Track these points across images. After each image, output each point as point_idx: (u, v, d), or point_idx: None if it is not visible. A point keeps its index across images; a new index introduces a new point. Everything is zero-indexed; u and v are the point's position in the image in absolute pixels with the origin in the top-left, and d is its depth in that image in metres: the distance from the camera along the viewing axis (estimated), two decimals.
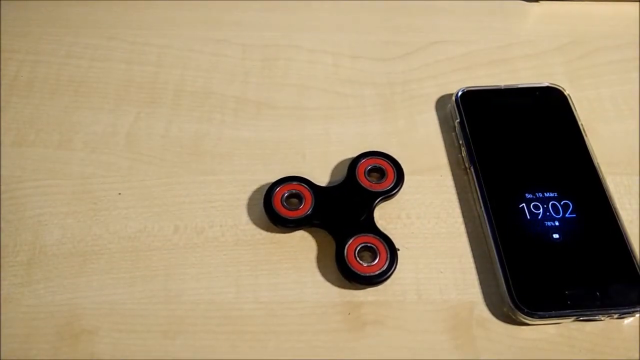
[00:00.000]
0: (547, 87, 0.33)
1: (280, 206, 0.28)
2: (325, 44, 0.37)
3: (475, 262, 0.28)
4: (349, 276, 0.27)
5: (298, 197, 0.29)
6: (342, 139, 0.32)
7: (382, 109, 0.34)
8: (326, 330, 0.26)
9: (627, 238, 0.27)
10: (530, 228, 0.28)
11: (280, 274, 0.28)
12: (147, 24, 0.37)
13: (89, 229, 0.29)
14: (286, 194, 0.29)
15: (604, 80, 0.35)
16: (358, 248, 0.27)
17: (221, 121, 0.33)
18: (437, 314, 0.27)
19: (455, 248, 0.29)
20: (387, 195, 0.29)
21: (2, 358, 0.26)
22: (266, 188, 0.29)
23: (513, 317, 0.26)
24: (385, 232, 0.28)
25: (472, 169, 0.30)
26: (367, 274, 0.26)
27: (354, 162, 0.30)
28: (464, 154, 0.31)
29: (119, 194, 0.30)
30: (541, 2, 0.39)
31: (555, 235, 0.28)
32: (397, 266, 0.27)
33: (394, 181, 0.29)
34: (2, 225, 0.29)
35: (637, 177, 0.31)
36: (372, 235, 0.28)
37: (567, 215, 0.28)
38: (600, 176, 0.29)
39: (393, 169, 0.30)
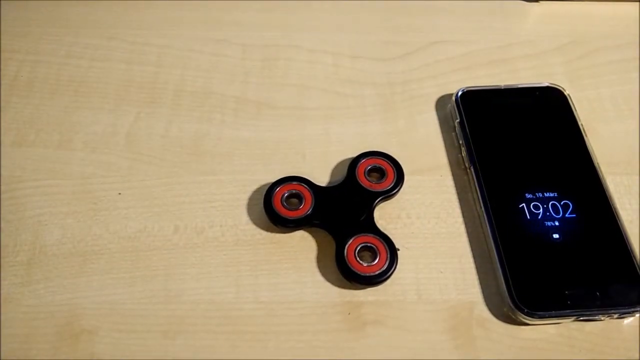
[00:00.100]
0: (547, 87, 0.33)
1: (280, 206, 0.28)
2: (325, 44, 0.37)
3: (475, 262, 0.28)
4: (349, 276, 0.27)
5: (298, 197, 0.29)
6: (342, 139, 0.32)
7: (382, 109, 0.34)
8: (326, 330, 0.26)
9: (627, 238, 0.27)
10: (530, 228, 0.28)
11: (280, 274, 0.28)
12: (147, 24, 0.37)
13: (89, 229, 0.29)
14: (286, 194, 0.29)
15: (604, 80, 0.35)
16: (358, 248, 0.27)
17: (221, 121, 0.33)
18: (437, 314, 0.27)
19: (455, 248, 0.29)
20: (387, 195, 0.29)
21: (2, 358, 0.26)
22: (266, 188, 0.29)
23: (513, 317, 0.26)
24: (385, 232, 0.28)
25: (472, 169, 0.30)
26: (367, 274, 0.26)
27: (354, 162, 0.30)
28: (464, 154, 0.31)
29: (119, 194, 0.30)
30: (541, 2, 0.39)
31: (555, 235, 0.28)
32: (397, 266, 0.27)
33: (394, 181, 0.29)
34: (2, 225, 0.29)
35: (637, 177, 0.31)
36: (372, 235, 0.28)
37: (567, 215, 0.28)
38: (600, 176, 0.29)
39: (393, 169, 0.30)
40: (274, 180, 0.29)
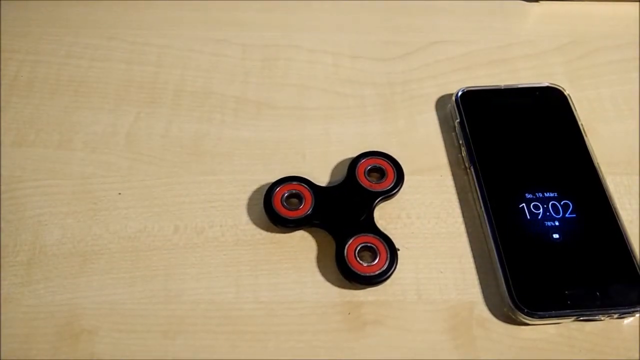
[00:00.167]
0: (547, 87, 0.33)
1: (280, 206, 0.28)
2: (325, 44, 0.37)
3: (475, 262, 0.28)
4: (349, 276, 0.27)
5: (298, 197, 0.29)
6: (342, 139, 0.32)
7: (382, 109, 0.34)
8: (326, 330, 0.26)
9: (627, 238, 0.27)
10: (530, 228, 0.28)
11: (280, 274, 0.28)
12: (147, 24, 0.37)
13: (89, 229, 0.29)
14: (286, 194, 0.29)
15: (604, 80, 0.35)
16: (358, 248, 0.27)
17: (221, 121, 0.33)
18: (437, 314, 0.27)
19: (455, 248, 0.29)
20: (387, 195, 0.29)
21: (2, 358, 0.26)
22: (266, 188, 0.29)
23: (513, 317, 0.26)
24: (385, 232, 0.28)
25: (472, 169, 0.30)
26: (367, 274, 0.26)
27: (354, 162, 0.30)
28: (464, 154, 0.31)
29: (119, 194, 0.30)
30: (541, 2, 0.39)
31: (555, 235, 0.28)
32: (397, 266, 0.27)
33: (394, 181, 0.29)
34: (2, 225, 0.29)
35: (637, 177, 0.31)
36: (372, 235, 0.28)
37: (567, 215, 0.28)
38: (600, 176, 0.29)
39: (393, 169, 0.30)
40: (274, 180, 0.29)
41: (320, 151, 0.32)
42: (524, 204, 0.28)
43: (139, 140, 0.32)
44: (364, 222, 0.28)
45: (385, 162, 0.30)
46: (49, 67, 0.35)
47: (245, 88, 0.34)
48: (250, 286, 0.27)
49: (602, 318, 0.26)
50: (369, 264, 0.27)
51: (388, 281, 0.27)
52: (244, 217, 0.29)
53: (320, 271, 0.28)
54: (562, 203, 0.29)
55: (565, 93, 0.33)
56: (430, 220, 0.29)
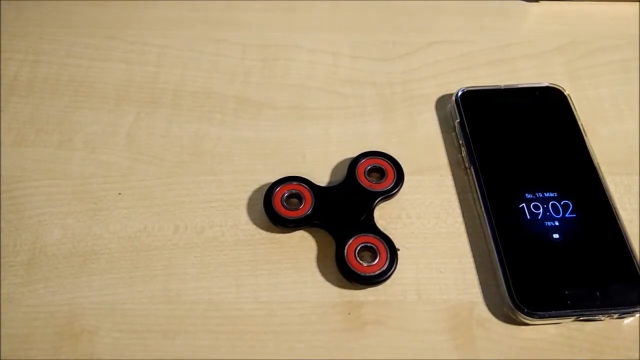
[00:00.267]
0: (547, 87, 0.33)
1: (280, 206, 0.28)
2: (325, 44, 0.37)
3: (475, 262, 0.28)
4: (349, 276, 0.27)
5: (298, 197, 0.29)
6: (342, 139, 0.32)
7: (382, 109, 0.34)
8: (326, 330, 0.26)
9: (627, 238, 0.27)
10: (530, 228, 0.28)
11: (280, 274, 0.28)
12: (147, 24, 0.37)
13: (89, 229, 0.29)
14: (286, 194, 0.29)
15: (604, 80, 0.35)
16: (358, 248, 0.27)
17: (221, 121, 0.33)
18: (437, 314, 0.27)
19: (455, 248, 0.29)
20: (387, 195, 0.29)
21: (2, 358, 0.26)
22: (266, 188, 0.29)
23: (513, 317, 0.26)
24: (385, 232, 0.28)
25: (472, 169, 0.30)
26: (367, 274, 0.26)
27: (354, 162, 0.30)
28: (464, 154, 0.31)
29: (119, 194, 0.30)
30: (541, 2, 0.39)
31: (555, 235, 0.28)
32: (397, 266, 0.27)
33: (394, 181, 0.29)
34: (2, 225, 0.29)
35: (637, 177, 0.31)
36: (372, 235, 0.28)
37: (567, 215, 0.28)
38: (600, 176, 0.29)
39: (393, 169, 0.30)
40: (274, 180, 0.29)
41: (320, 151, 0.32)
42: (524, 204, 0.28)
43: (139, 140, 0.32)
44: (364, 222, 0.28)
45: (385, 162, 0.30)
46: (49, 67, 0.35)
47: (245, 88, 0.34)
48: (250, 286, 0.27)
49: (602, 318, 0.26)
50: (369, 264, 0.27)
51: (388, 281, 0.27)
52: (244, 217, 0.29)
53: (320, 271, 0.28)
54: (562, 203, 0.29)
55: (565, 93, 0.33)
56: (430, 220, 0.29)
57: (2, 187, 0.30)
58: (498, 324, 0.26)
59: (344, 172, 0.30)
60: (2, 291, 0.27)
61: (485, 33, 0.37)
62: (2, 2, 0.38)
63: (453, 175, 0.31)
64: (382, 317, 0.27)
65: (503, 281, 0.26)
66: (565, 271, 0.27)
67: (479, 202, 0.29)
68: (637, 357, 0.26)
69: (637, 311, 0.26)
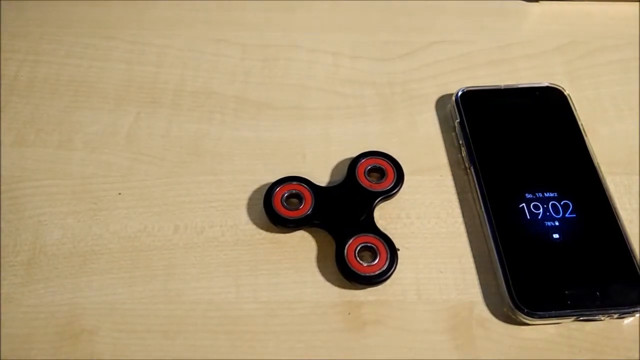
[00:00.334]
0: (547, 87, 0.33)
1: (280, 206, 0.28)
2: (325, 44, 0.37)
3: (475, 262, 0.28)
4: (349, 276, 0.27)
5: (298, 197, 0.29)
6: (342, 139, 0.32)
7: (382, 109, 0.34)
8: (326, 330, 0.26)
9: (627, 238, 0.27)
10: (530, 228, 0.28)
11: (280, 274, 0.28)
12: (147, 24, 0.37)
13: (89, 229, 0.29)
14: (286, 194, 0.29)
15: (604, 80, 0.35)
16: (358, 248, 0.27)
17: (221, 121, 0.33)
18: (437, 314, 0.27)
19: (455, 248, 0.29)
20: (387, 195, 0.29)
21: (2, 358, 0.26)
22: (266, 188, 0.29)
23: (513, 317, 0.26)
24: (385, 232, 0.28)
25: (472, 169, 0.30)
26: (367, 274, 0.26)
27: (354, 162, 0.30)
28: (464, 154, 0.31)
29: (119, 194, 0.30)
30: (541, 2, 0.39)
31: (555, 235, 0.28)
32: (397, 266, 0.27)
33: (394, 181, 0.29)
34: (2, 225, 0.29)
35: (637, 177, 0.31)
36: (372, 235, 0.28)
37: (567, 215, 0.28)
38: (600, 176, 0.29)
39: (393, 168, 0.30)
40: (274, 180, 0.29)
41: (320, 151, 0.32)
42: (524, 204, 0.28)
43: (139, 140, 0.32)
44: (364, 222, 0.28)
45: (385, 162, 0.30)
46: (49, 67, 0.35)
47: (245, 88, 0.34)
48: (250, 286, 0.27)
49: (602, 318, 0.26)
50: (369, 264, 0.27)
51: (388, 281, 0.27)
52: (244, 217, 0.29)
53: (320, 271, 0.28)
54: (562, 203, 0.29)
55: (565, 93, 0.33)
56: (430, 220, 0.29)
57: (2, 187, 0.30)
58: (498, 324, 0.26)
59: (344, 172, 0.30)
60: (2, 291, 0.27)
61: (485, 33, 0.37)
62: (2, 2, 0.38)
63: (453, 175, 0.31)
64: (382, 317, 0.27)
65: (503, 281, 0.26)
66: (565, 271, 0.27)
67: (479, 202, 0.29)
68: (637, 357, 0.26)
69: (637, 311, 0.26)
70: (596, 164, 0.30)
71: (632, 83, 0.35)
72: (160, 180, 0.31)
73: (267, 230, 0.29)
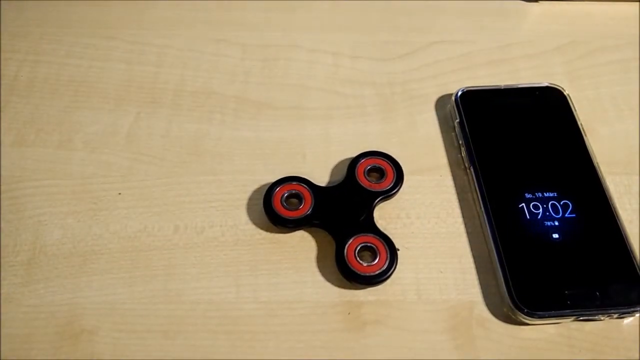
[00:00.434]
0: (547, 87, 0.33)
1: (280, 206, 0.28)
2: (325, 44, 0.37)
3: (475, 262, 0.28)
4: (349, 276, 0.27)
5: (298, 197, 0.29)
6: (342, 139, 0.32)
7: (382, 109, 0.34)
8: (326, 330, 0.26)
9: (627, 238, 0.27)
10: (530, 228, 0.28)
11: (280, 274, 0.28)
12: (147, 24, 0.37)
13: (89, 229, 0.29)
14: (286, 194, 0.29)
15: (604, 80, 0.35)
16: (358, 248, 0.27)
17: (221, 121, 0.33)
18: (437, 314, 0.27)
19: (455, 248, 0.29)
20: (387, 195, 0.29)
21: (2, 358, 0.26)
22: (266, 188, 0.29)
23: (513, 317, 0.26)
24: (385, 232, 0.28)
25: (472, 169, 0.30)
26: (367, 274, 0.26)
27: (354, 162, 0.30)
28: (463, 154, 0.31)
29: (119, 194, 0.30)
30: (541, 2, 0.39)
31: (555, 235, 0.28)
32: (397, 266, 0.27)
33: (394, 181, 0.29)
34: (2, 225, 0.29)
35: (637, 177, 0.31)
36: (372, 235, 0.28)
37: (566, 215, 0.28)
38: (600, 176, 0.29)
39: (393, 168, 0.30)
40: (274, 180, 0.29)
41: (320, 151, 0.32)
42: (523, 204, 0.28)
43: (139, 140, 0.32)
44: (363, 222, 0.28)
45: (385, 162, 0.30)
46: (49, 67, 0.35)
47: (245, 88, 0.34)
48: (250, 286, 0.27)
49: (602, 318, 0.26)
50: (369, 264, 0.27)
51: (388, 281, 0.27)
52: (244, 217, 0.29)
53: (320, 271, 0.28)
54: (561, 203, 0.29)
55: (565, 93, 0.33)
56: (430, 220, 0.29)
57: (2, 187, 0.30)
58: (498, 324, 0.26)
59: (343, 172, 0.30)
60: (2, 291, 0.27)
61: (485, 33, 0.37)
62: (2, 2, 0.38)
63: (453, 175, 0.31)
64: (382, 317, 0.27)
65: (503, 281, 0.26)
66: (565, 271, 0.27)
67: (479, 202, 0.29)
68: (637, 357, 0.26)
69: (637, 311, 0.26)
70: (596, 164, 0.30)
71: (632, 83, 0.35)
72: (160, 180, 0.31)
73: (267, 230, 0.29)
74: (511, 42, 0.37)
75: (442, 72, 0.35)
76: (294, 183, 0.29)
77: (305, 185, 0.29)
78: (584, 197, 0.29)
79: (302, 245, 0.29)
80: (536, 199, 0.29)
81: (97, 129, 0.32)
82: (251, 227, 0.29)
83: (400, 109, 0.34)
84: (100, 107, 0.33)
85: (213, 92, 0.34)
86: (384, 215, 0.30)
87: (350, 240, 0.27)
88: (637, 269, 0.27)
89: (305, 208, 0.28)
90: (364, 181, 0.29)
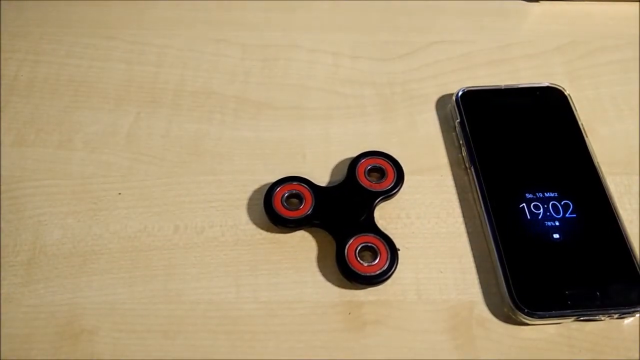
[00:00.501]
0: (547, 87, 0.33)
1: (280, 206, 0.28)
2: (325, 44, 0.37)
3: (475, 262, 0.28)
4: (350, 276, 0.27)
5: (298, 197, 0.29)
6: (342, 139, 0.32)
7: (382, 109, 0.34)
8: (326, 330, 0.26)
9: (627, 238, 0.27)
10: (530, 228, 0.28)
11: (280, 274, 0.28)
12: (147, 24, 0.37)
13: (89, 229, 0.29)
14: (286, 194, 0.29)
15: (604, 80, 0.35)
16: (358, 248, 0.27)
17: (221, 121, 0.33)
18: (437, 314, 0.27)
19: (455, 248, 0.29)
20: (387, 195, 0.29)
21: (2, 358, 0.26)
22: (266, 188, 0.29)
23: (513, 317, 0.26)
24: (386, 232, 0.28)
25: (472, 169, 0.30)
26: (368, 274, 0.26)
27: (354, 162, 0.30)
28: (464, 153, 0.31)
29: (119, 194, 0.30)
30: (541, 2, 0.39)
31: (556, 235, 0.28)
32: (397, 266, 0.27)
33: (394, 181, 0.29)
34: (2, 225, 0.29)
35: (637, 177, 0.31)
36: (372, 235, 0.28)
37: (567, 215, 0.28)
38: (600, 176, 0.29)
39: (393, 168, 0.30)
40: (274, 180, 0.29)
41: (320, 151, 0.32)
42: (524, 204, 0.28)
43: (139, 140, 0.32)
44: (364, 222, 0.28)
45: (385, 162, 0.30)
46: (49, 67, 0.35)
47: (245, 88, 0.34)
48: (250, 286, 0.27)
49: (602, 318, 0.26)
50: (370, 264, 0.27)
51: (388, 281, 0.27)
52: (244, 217, 0.29)
53: (321, 271, 0.28)
54: (562, 203, 0.29)
55: (565, 93, 0.33)
56: (430, 220, 0.29)
57: (2, 187, 0.30)
58: (498, 324, 0.26)
59: (344, 172, 0.30)
60: (2, 291, 0.27)
61: (485, 33, 0.37)
62: (2, 2, 0.38)
63: (453, 175, 0.31)
64: (382, 317, 0.27)
65: (503, 281, 0.26)
66: (566, 271, 0.27)
67: (479, 202, 0.29)
68: (637, 357, 0.26)
69: (637, 311, 0.26)
70: (596, 164, 0.30)
71: (632, 83, 0.35)
72: (160, 180, 0.31)
73: (267, 230, 0.29)
74: (511, 42, 0.37)
75: (442, 72, 0.35)
76: (294, 183, 0.29)
77: (305, 185, 0.29)
78: (584, 197, 0.29)
79: (303, 245, 0.29)
80: (537, 199, 0.29)
81: (97, 129, 0.32)
82: (251, 227, 0.29)
83: (400, 109, 0.34)
84: (100, 107, 0.33)
85: (213, 92, 0.34)
86: (384, 215, 0.30)
87: (351, 240, 0.27)
88: (638, 269, 0.27)
89: (306, 208, 0.28)
90: (364, 181, 0.29)
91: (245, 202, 0.30)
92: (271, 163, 0.31)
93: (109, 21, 0.37)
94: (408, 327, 0.26)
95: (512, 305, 0.26)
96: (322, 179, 0.31)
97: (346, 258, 0.27)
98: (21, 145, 0.32)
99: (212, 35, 0.37)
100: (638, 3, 0.39)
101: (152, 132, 0.32)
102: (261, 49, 0.36)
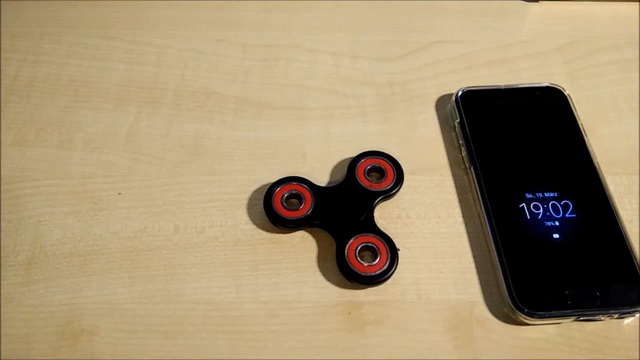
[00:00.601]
0: (547, 87, 0.33)
1: (280, 206, 0.28)
2: (325, 44, 0.37)
3: (475, 262, 0.28)
4: (350, 276, 0.27)
5: (298, 197, 0.29)
6: (342, 139, 0.32)
7: (382, 109, 0.34)
8: (326, 330, 0.26)
9: (627, 238, 0.27)
10: (530, 228, 0.28)
11: (280, 274, 0.28)
12: (147, 24, 0.37)
13: (89, 229, 0.29)
14: (286, 194, 0.29)
15: (604, 80, 0.35)
16: (358, 248, 0.27)
17: (221, 121, 0.33)
18: (437, 314, 0.27)
19: (455, 248, 0.29)
20: (387, 195, 0.29)
21: (2, 358, 0.26)
22: (266, 188, 0.29)
23: (513, 317, 0.26)
24: (386, 232, 0.28)
25: (472, 169, 0.30)
26: (368, 274, 0.26)
27: (354, 162, 0.30)
28: (464, 154, 0.31)
29: (119, 194, 0.30)
30: (541, 2, 0.39)
31: (556, 235, 0.28)
32: (397, 266, 0.27)
33: (394, 181, 0.29)
34: (2, 225, 0.29)
35: (637, 177, 0.31)
36: (372, 235, 0.28)
37: (567, 215, 0.28)
38: (600, 176, 0.29)
39: (393, 168, 0.30)
40: (274, 180, 0.29)
41: (320, 151, 0.32)
42: (524, 204, 0.28)
43: (139, 140, 0.32)
44: (364, 222, 0.28)
45: (385, 162, 0.30)
46: (49, 67, 0.35)
47: (245, 88, 0.34)
48: (250, 286, 0.27)
49: (602, 318, 0.26)
50: (370, 264, 0.27)
51: (388, 281, 0.27)
52: (244, 217, 0.29)
53: (321, 271, 0.28)
54: (562, 203, 0.29)
55: (565, 93, 0.33)
56: (430, 220, 0.29)
57: (2, 187, 0.30)
58: (498, 324, 0.26)
59: (344, 172, 0.30)
60: (2, 291, 0.27)
61: (485, 33, 0.37)
62: (2, 2, 0.38)
63: (453, 175, 0.31)
64: (382, 317, 0.27)
65: (503, 281, 0.26)
66: (566, 271, 0.27)
67: (479, 202, 0.29)
68: (637, 357, 0.26)
69: (637, 311, 0.26)
70: (596, 164, 0.30)
71: (632, 83, 0.35)
72: (160, 180, 0.31)
73: (267, 230, 0.29)
74: (511, 42, 0.37)
75: (442, 72, 0.35)
76: (294, 183, 0.29)
77: (305, 186, 0.29)
78: (584, 197, 0.29)
79: (303, 245, 0.29)
80: (536, 199, 0.29)
81: (97, 129, 0.32)
82: (251, 227, 0.29)
83: (400, 109, 0.34)
84: (100, 107, 0.33)
85: (213, 92, 0.34)
86: (384, 215, 0.30)
87: (351, 240, 0.27)
88: (637, 269, 0.27)
89: (306, 208, 0.28)
90: (364, 181, 0.29)
91: (245, 202, 0.30)
92: (271, 163, 0.31)
93: (109, 21, 0.37)
94: (408, 327, 0.26)
95: (512, 305, 0.26)
96: (322, 179, 0.31)
97: (346, 258, 0.27)
98: (21, 145, 0.32)
99: (212, 35, 0.37)
100: (638, 3, 0.39)
101: (152, 132, 0.32)
102: (261, 49, 0.36)
